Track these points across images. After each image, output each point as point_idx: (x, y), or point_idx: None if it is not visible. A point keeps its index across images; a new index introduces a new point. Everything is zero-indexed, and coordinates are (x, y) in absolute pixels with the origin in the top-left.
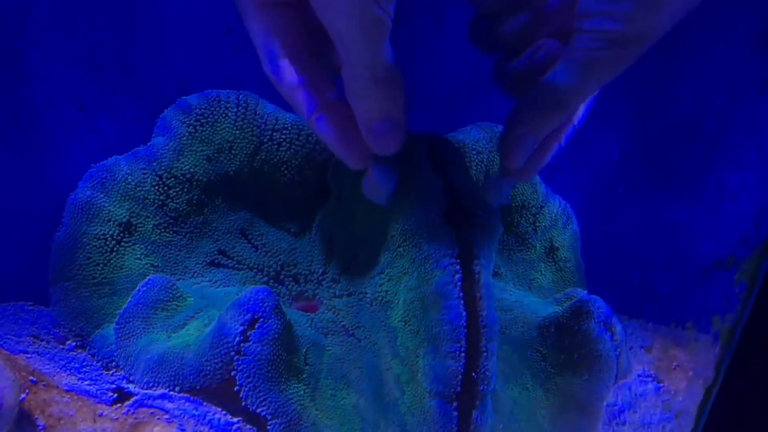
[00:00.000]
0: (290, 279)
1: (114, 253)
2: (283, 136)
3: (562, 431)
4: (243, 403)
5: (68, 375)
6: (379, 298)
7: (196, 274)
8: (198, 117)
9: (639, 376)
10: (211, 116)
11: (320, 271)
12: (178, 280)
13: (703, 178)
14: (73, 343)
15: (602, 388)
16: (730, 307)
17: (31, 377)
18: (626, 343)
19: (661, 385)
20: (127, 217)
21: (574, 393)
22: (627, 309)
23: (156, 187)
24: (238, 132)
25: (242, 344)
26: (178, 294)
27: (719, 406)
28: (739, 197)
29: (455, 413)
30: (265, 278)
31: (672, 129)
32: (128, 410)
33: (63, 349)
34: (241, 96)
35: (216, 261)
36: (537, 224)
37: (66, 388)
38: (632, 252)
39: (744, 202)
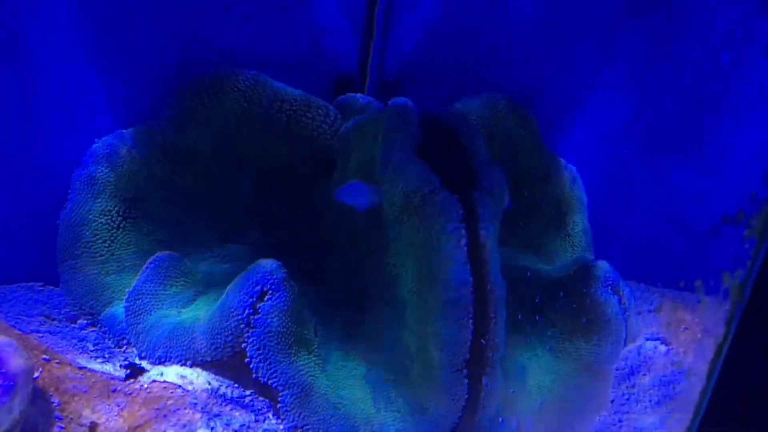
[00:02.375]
0: (298, 252)
1: (120, 230)
2: (293, 108)
3: (573, 395)
4: (254, 375)
5: (81, 353)
6: (388, 270)
7: (204, 249)
8: (206, 89)
9: (648, 338)
10: (219, 90)
11: (329, 243)
12: (186, 256)
13: (710, 138)
14: (85, 322)
15: (611, 352)
16: (739, 264)
17: (44, 356)
18: (634, 306)
19: (670, 346)
20: (133, 192)
21: (583, 357)
22: (635, 273)
23: (160, 162)
24: (246, 105)
25: (252, 317)
26: (187, 270)
27: (730, 363)
28: (747, 155)
29: (465, 380)
30: (273, 253)
31: (677, 91)
32: (141, 385)
33: (74, 327)
34: (251, 72)
35: (224, 236)
36: (545, 189)
37: (79, 365)
38: (639, 215)
39: (751, 161)
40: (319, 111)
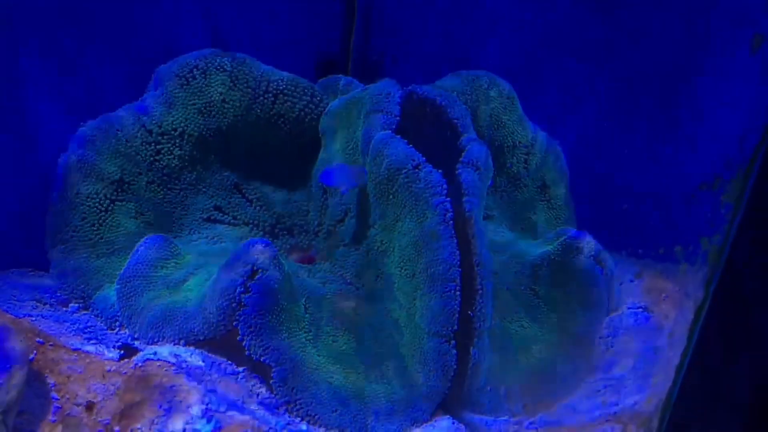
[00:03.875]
0: (285, 232)
1: (108, 213)
2: (280, 87)
3: (558, 363)
4: (246, 353)
5: (74, 335)
6: (375, 247)
7: (192, 231)
8: (191, 70)
9: (630, 307)
10: (205, 70)
11: (316, 222)
12: (175, 237)
13: (686, 105)
14: (76, 305)
15: (595, 321)
16: (716, 229)
17: (37, 338)
18: (616, 276)
19: (652, 314)
20: (119, 174)
21: (568, 327)
22: (616, 243)
23: (147, 143)
24: (232, 84)
25: (243, 295)
26: (177, 251)
27: (709, 324)
28: (722, 122)
29: (453, 351)
30: (261, 232)
31: (651, 61)
32: (135, 364)
33: (66, 311)
34: (237, 54)
35: (212, 217)
36: (528, 163)
37: (73, 347)
38: (619, 186)
39: (727, 127)
40: (306, 91)
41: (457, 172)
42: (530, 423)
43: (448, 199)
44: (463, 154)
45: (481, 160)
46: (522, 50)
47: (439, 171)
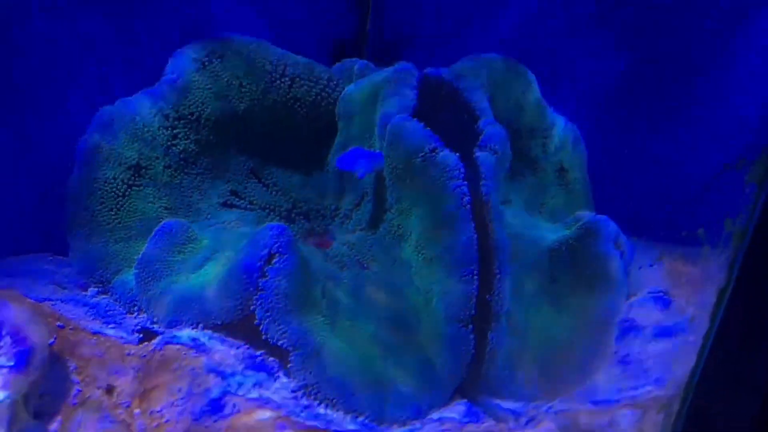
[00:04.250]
0: (302, 217)
1: (126, 198)
2: (296, 72)
3: (577, 348)
4: (264, 336)
5: (93, 319)
6: (392, 232)
7: (209, 215)
8: (208, 53)
9: (649, 292)
10: (222, 54)
11: (332, 207)
12: (192, 222)
13: (707, 85)
14: (95, 290)
15: (614, 305)
16: (740, 210)
17: (57, 322)
18: (636, 260)
19: (672, 299)
20: (137, 159)
21: (586, 311)
22: (636, 228)
23: (163, 128)
24: (249, 68)
25: (260, 279)
26: (194, 236)
27: (732, 306)
28: (745, 103)
29: (471, 336)
30: (277, 217)
31: (671, 42)
32: (155, 348)
33: (85, 295)
34: (253, 38)
35: (228, 202)
36: (546, 146)
37: (93, 331)
38: (639, 170)
39: (750, 107)
40: (322, 76)
41: (474, 155)
42: (548, 407)
43: (465, 182)
44: (480, 137)
45: (498, 143)
46: (541, 33)
47: (456, 154)
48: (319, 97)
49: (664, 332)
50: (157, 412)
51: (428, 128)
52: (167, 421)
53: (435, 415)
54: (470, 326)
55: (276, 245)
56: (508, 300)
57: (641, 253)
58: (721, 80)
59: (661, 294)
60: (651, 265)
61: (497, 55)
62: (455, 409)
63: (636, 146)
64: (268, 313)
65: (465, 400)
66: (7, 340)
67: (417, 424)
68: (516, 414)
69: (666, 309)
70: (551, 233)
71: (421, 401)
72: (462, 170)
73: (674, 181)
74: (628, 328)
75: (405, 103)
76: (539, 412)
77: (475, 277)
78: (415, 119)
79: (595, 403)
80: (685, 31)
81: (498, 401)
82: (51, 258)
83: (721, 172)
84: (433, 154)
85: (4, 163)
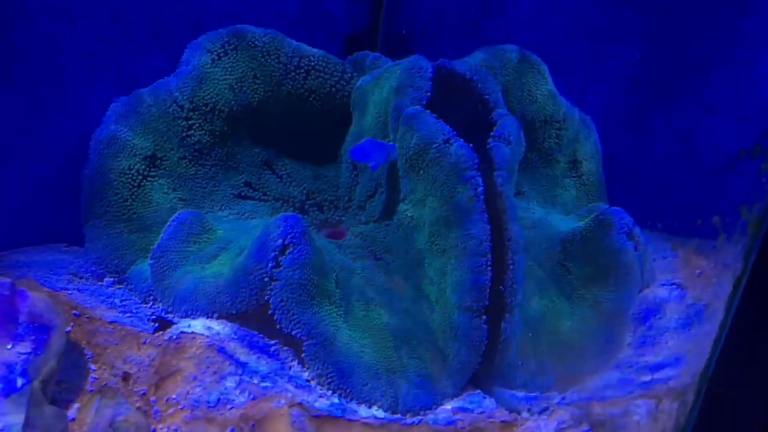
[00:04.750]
0: (315, 208)
1: (141, 188)
2: (311, 64)
3: (591, 339)
4: (278, 326)
5: (109, 308)
6: (406, 223)
7: (223, 206)
8: (224, 44)
9: (663, 284)
10: (237, 46)
11: (346, 198)
12: (207, 213)
13: (722, 73)
14: (111, 280)
15: (627, 297)
16: (757, 198)
17: (74, 311)
18: (650, 252)
19: (686, 291)
20: (152, 149)
21: (600, 303)
22: (649, 220)
23: (178, 119)
24: (263, 60)
25: (274, 270)
26: (209, 227)
27: (748, 295)
28: (761, 91)
29: (485, 326)
30: (291, 208)
31: (685, 30)
32: (170, 336)
33: (101, 285)
34: (269, 30)
35: (242, 193)
36: (560, 138)
37: (109, 319)
38: (652, 160)
39: (762, 97)
40: (337, 68)
41: (488, 146)
42: (561, 398)
43: (480, 173)
44: (494, 128)
45: (513, 134)
46: (554, 23)
47: (470, 145)
48: (333, 89)
49: (679, 322)
50: (173, 399)
51: (441, 120)
52: (182, 408)
53: (448, 405)
54: (484, 317)
55: (290, 236)
56: (522, 291)
57: (655, 245)
58: (737, 66)
59: (675, 286)
60: (665, 257)
61: (510, 46)
62: (468, 399)
63: (650, 136)
64: (282, 303)
65: (478, 391)
66: (25, 327)
67: (430, 413)
68: (529, 404)
69: (681, 300)
70: (565, 224)
71: (435, 391)
72: (476, 161)
73: (689, 171)
74: (643, 319)
75: (418, 95)
76: (552, 403)
77: (489, 267)
78: (428, 111)
79: (609, 393)
80: (702, 15)
81: (511, 392)
82: (67, 248)
83: (736, 159)
84: (447, 145)
85: (21, 154)
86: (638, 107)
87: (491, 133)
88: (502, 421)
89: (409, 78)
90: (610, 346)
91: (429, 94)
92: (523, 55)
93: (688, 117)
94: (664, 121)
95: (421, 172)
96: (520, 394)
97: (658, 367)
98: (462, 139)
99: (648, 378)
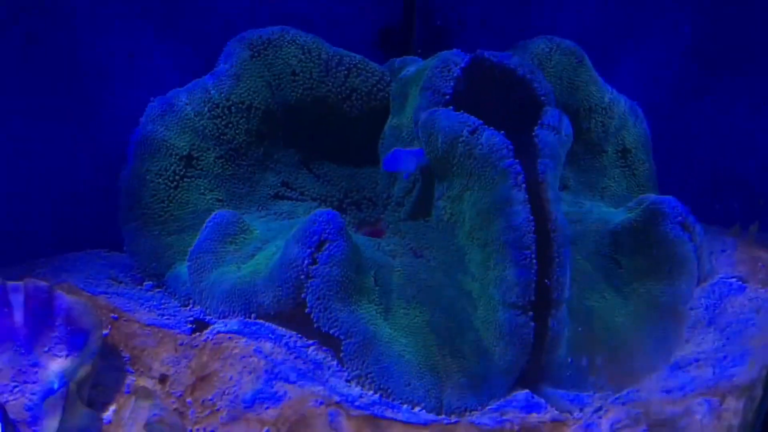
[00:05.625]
0: (353, 206)
1: (178, 189)
2: (353, 62)
3: (645, 336)
4: (315, 325)
5: (148, 312)
6: (445, 219)
7: (260, 207)
8: (264, 42)
9: (722, 277)
10: (277, 44)
11: (384, 195)
12: (244, 213)
13: None
14: (150, 283)
15: (684, 291)
16: None
17: (112, 314)
18: (707, 246)
19: (747, 285)
20: (188, 149)
21: (654, 297)
22: (705, 213)
23: (214, 117)
24: (303, 56)
25: (311, 267)
26: (245, 227)
27: None
28: None
29: (531, 323)
30: (329, 207)
31: (739, 15)
32: (207, 337)
33: (141, 289)
34: (309, 35)
35: (279, 193)
36: (606, 126)
37: (146, 322)
38: (706, 150)
39: None
40: (377, 70)
41: (533, 133)
42: (616, 398)
43: (518, 161)
44: (540, 116)
45: (558, 122)
46: (600, 11)
47: (501, 132)
48: (375, 88)
49: (741, 317)
50: (209, 400)
51: (474, 113)
52: (219, 409)
53: (494, 405)
54: (530, 313)
55: (326, 232)
56: (569, 285)
57: (713, 239)
58: None
59: (735, 279)
60: (723, 250)
61: (552, 36)
62: (516, 399)
63: (704, 126)
64: (319, 301)
65: (526, 390)
66: (62, 330)
67: (476, 414)
68: (581, 403)
69: (742, 292)
70: (614, 216)
71: (480, 391)
72: (511, 148)
73: (749, 161)
74: (702, 315)
75: (435, 99)
76: (606, 402)
77: (534, 261)
78: (442, 108)
79: (668, 391)
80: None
81: (562, 391)
82: (107, 253)
83: None
84: (475, 135)
85: (62, 159)
86: (693, 91)
87: (538, 122)
88: (553, 420)
89: (431, 79)
90: (667, 342)
91: (448, 97)
92: (565, 44)
93: (745, 104)
94: (718, 110)
95: (454, 168)
96: (571, 393)
97: (720, 362)
98: (491, 128)
99: (709, 374)
